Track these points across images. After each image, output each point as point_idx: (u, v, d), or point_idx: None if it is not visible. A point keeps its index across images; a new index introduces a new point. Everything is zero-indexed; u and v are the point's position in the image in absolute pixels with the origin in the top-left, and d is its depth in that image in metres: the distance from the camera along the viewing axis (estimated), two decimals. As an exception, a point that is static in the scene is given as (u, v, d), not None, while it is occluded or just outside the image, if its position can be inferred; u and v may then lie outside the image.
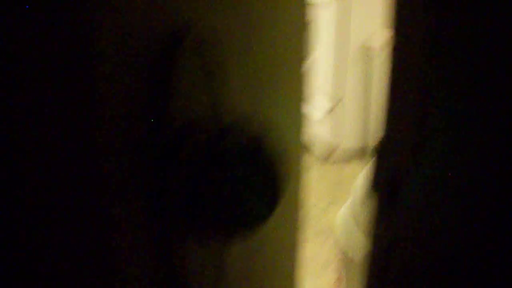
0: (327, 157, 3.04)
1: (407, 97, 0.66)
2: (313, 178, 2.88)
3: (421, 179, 0.62)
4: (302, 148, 0.99)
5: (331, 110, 2.93)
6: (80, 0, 0.57)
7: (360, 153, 3.02)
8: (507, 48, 0.51)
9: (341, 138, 2.98)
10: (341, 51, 2.86)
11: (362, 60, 2.92)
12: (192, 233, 0.75)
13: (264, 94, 0.86)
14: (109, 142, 0.63)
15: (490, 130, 0.53)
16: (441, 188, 0.59)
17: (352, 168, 2.95)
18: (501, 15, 0.51)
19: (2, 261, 0.61)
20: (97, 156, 0.63)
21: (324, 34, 2.86)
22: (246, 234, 0.75)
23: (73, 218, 0.65)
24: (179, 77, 0.68)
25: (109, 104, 0.62)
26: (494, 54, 0.52)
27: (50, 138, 0.61)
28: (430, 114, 0.61)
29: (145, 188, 0.69)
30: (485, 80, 0.54)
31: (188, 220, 0.71)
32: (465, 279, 0.58)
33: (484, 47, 0.53)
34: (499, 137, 0.52)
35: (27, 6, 0.55)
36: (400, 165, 0.66)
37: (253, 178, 0.70)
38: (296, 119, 0.96)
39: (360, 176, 1.50)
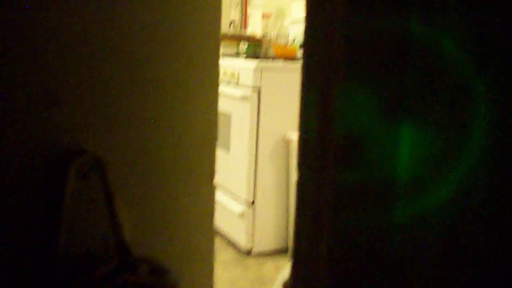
0: (246, 253, 3.00)
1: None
2: (235, 273, 2.82)
3: None
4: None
5: (243, 213, 2.94)
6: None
7: (278, 252, 3.02)
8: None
9: (255, 240, 2.97)
10: (260, 145, 2.92)
11: (281, 154, 2.99)
12: None
13: (166, 219, 0.84)
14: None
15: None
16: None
17: (272, 264, 2.92)
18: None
19: None
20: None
21: (241, 128, 2.93)
22: None
23: None
24: (75, 196, 0.66)
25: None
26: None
27: None
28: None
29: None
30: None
31: None
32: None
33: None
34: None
35: None
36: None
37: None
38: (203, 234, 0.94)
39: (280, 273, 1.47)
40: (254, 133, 2.81)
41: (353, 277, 0.58)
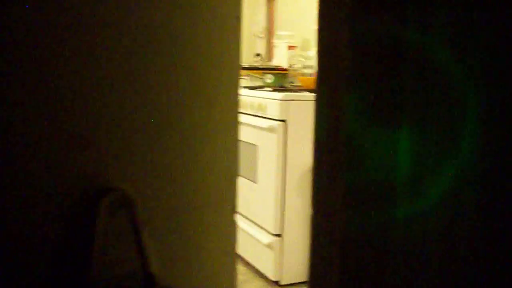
0: (274, 284, 2.99)
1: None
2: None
3: None
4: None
5: (271, 244, 2.94)
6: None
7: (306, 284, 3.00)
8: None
9: (283, 271, 2.96)
10: (287, 177, 2.93)
11: (308, 186, 3.00)
12: None
13: (194, 246, 0.87)
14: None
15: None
16: None
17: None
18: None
19: None
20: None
21: (268, 159, 2.95)
22: None
23: None
24: (105, 231, 0.69)
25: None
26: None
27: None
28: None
29: None
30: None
31: None
32: None
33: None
34: None
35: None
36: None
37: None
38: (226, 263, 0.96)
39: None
40: (281, 164, 2.83)
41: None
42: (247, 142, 3.07)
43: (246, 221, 3.13)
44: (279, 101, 2.79)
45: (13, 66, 0.69)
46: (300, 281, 2.95)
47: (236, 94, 0.91)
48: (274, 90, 3.06)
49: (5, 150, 0.64)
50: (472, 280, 0.58)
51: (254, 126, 2.97)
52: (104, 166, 0.73)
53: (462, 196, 0.58)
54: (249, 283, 3.05)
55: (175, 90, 0.83)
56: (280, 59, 3.78)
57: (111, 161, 0.73)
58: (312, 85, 3.15)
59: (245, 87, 3.44)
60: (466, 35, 0.55)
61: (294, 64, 3.53)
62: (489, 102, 0.55)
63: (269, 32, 4.41)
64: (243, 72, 3.70)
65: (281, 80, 3.44)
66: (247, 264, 3.19)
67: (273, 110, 2.84)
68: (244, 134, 3.10)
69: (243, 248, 3.18)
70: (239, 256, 3.25)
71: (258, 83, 3.61)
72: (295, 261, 2.93)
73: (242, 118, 3.07)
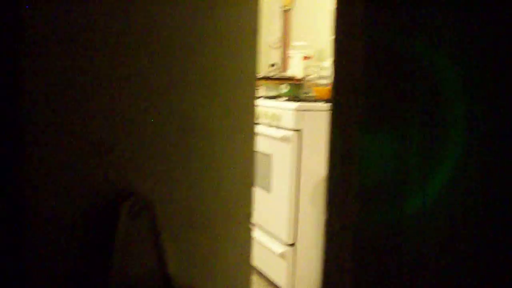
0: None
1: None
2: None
3: None
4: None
5: (284, 254, 2.94)
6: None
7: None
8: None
9: (295, 280, 2.96)
10: (301, 186, 2.94)
11: (322, 196, 3.00)
12: None
13: (211, 255, 0.89)
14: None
15: None
16: None
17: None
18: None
19: None
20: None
21: (282, 169, 2.97)
22: None
23: None
24: (126, 234, 0.71)
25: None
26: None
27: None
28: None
29: None
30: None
31: None
32: None
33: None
34: None
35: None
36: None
37: None
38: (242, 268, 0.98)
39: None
40: (295, 174, 2.84)
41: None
42: (261, 152, 3.08)
43: (260, 230, 3.13)
44: (294, 111, 2.80)
45: (37, 77, 0.72)
46: (313, 291, 2.95)
47: (252, 105, 0.93)
48: (288, 100, 3.08)
49: (29, 156, 0.67)
50: (476, 277, 0.59)
51: (269, 136, 2.98)
52: (125, 171, 0.75)
53: (461, 195, 0.59)
54: (262, 292, 3.05)
55: (194, 100, 0.86)
56: (295, 69, 3.81)
57: (131, 167, 0.76)
58: (327, 95, 3.16)
59: (260, 96, 3.47)
60: (470, 46, 0.57)
61: (309, 75, 3.55)
62: (490, 105, 0.57)
63: (284, 42, 4.44)
64: (258, 82, 3.73)
65: (296, 90, 3.45)
66: (259, 273, 3.20)
67: (288, 120, 2.86)
68: (259, 144, 3.11)
69: (256, 257, 3.18)
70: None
71: (273, 93, 3.63)
72: (308, 270, 2.93)
73: (256, 127, 3.09)
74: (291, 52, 3.90)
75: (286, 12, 4.44)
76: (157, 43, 0.84)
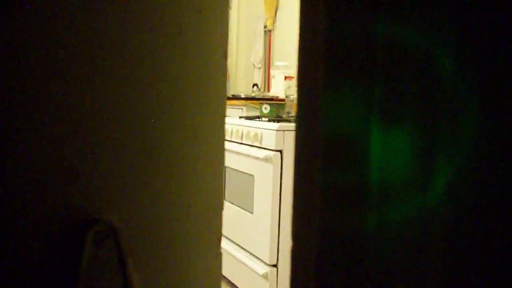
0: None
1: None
2: None
3: None
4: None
5: (267, 274, 2.92)
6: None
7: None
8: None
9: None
10: (282, 207, 2.94)
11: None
12: None
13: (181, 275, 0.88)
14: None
15: None
16: None
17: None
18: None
19: None
20: None
21: (264, 189, 2.96)
22: None
23: None
24: (91, 262, 0.70)
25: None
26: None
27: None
28: None
29: None
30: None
31: None
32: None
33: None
34: None
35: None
36: None
37: None
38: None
39: None
40: (277, 194, 2.84)
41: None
42: (243, 172, 3.08)
43: (242, 251, 3.11)
44: (275, 131, 2.81)
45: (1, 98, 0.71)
46: (296, 312, 2.92)
47: (222, 128, 0.92)
48: (270, 120, 3.09)
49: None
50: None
51: (251, 156, 2.98)
52: (91, 197, 0.74)
53: (453, 200, 0.58)
54: (244, 314, 3.02)
55: (161, 124, 0.85)
56: (277, 90, 3.82)
57: (98, 193, 0.75)
58: (308, 116, 3.17)
59: (241, 117, 3.47)
60: (444, 26, 0.55)
61: (291, 95, 3.57)
62: (481, 99, 0.55)
63: (267, 62, 4.47)
64: (240, 102, 3.74)
65: (278, 110, 3.47)
66: (243, 294, 3.17)
67: (269, 140, 2.86)
68: (241, 164, 3.11)
69: (238, 278, 3.16)
70: (234, 286, 3.22)
71: (255, 113, 3.64)
72: (291, 292, 2.90)
73: (238, 148, 3.09)
74: (273, 72, 3.93)
75: (268, 32, 4.48)
76: (124, 68, 0.83)
